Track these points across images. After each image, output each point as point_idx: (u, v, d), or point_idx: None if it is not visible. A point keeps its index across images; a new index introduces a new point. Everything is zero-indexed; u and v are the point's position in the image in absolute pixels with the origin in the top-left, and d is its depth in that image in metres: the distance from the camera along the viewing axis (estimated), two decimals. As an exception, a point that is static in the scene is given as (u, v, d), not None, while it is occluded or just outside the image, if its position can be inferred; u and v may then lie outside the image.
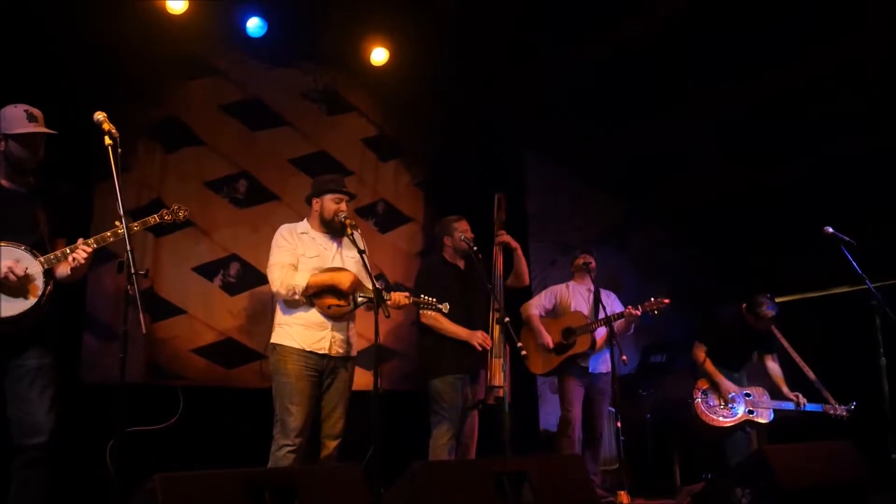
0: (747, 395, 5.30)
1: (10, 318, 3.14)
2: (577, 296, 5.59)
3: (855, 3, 5.32)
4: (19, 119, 3.25)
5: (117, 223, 3.28)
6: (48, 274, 3.24)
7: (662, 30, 5.76)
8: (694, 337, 5.56)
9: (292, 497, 2.67)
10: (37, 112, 3.30)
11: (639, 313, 5.21)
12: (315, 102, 6.11)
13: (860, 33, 5.60)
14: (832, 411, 5.22)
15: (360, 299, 4.04)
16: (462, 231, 4.84)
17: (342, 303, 4.03)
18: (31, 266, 3.20)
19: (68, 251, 3.25)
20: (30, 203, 3.31)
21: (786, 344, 5.52)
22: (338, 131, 6.19)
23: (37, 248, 3.25)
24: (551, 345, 5.34)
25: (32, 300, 3.19)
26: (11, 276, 3.12)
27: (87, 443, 4.04)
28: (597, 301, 5.34)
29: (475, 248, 4.67)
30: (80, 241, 3.27)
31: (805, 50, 5.78)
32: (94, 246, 3.28)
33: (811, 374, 5.45)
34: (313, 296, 4.01)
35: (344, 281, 4.03)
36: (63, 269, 3.32)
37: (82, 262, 3.25)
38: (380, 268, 6.03)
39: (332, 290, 4.02)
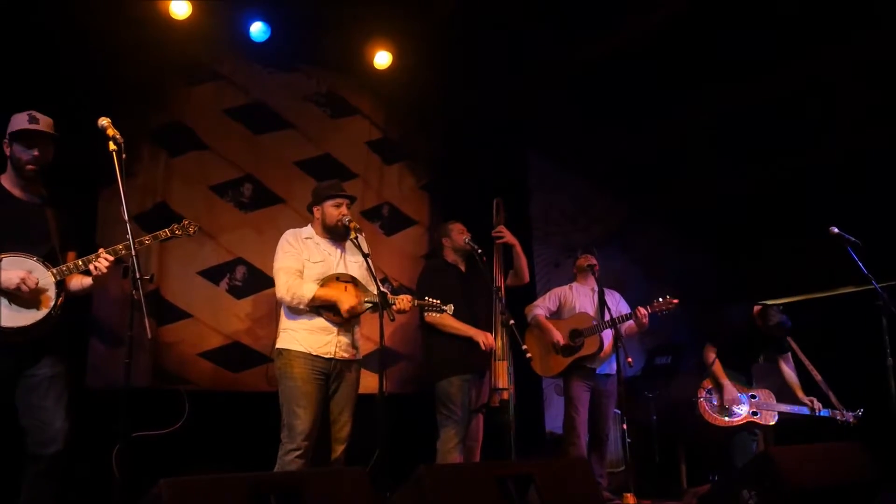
0: (752, 396, 5.28)
1: (22, 328, 3.15)
2: (581, 297, 5.57)
3: (857, 3, 5.31)
4: (21, 120, 3.29)
5: (147, 237, 3.37)
6: (60, 285, 3.26)
7: (662, 30, 5.76)
8: (704, 338, 5.52)
9: (298, 501, 2.67)
10: (42, 117, 3.32)
11: (648, 313, 5.19)
12: (319, 106, 6.13)
13: (860, 33, 5.59)
14: (839, 417, 5.20)
15: (364, 305, 4.03)
16: (459, 231, 4.85)
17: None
18: (44, 277, 3.21)
19: (92, 258, 3.26)
20: (42, 214, 3.33)
21: (795, 346, 5.49)
22: (342, 134, 6.20)
23: (48, 260, 3.26)
24: (563, 341, 5.31)
25: (44, 311, 3.20)
26: (24, 287, 3.13)
27: (93, 448, 4.04)
28: (601, 301, 5.31)
29: (479, 249, 4.67)
30: (101, 250, 3.29)
31: (805, 50, 5.78)
32: (114, 256, 3.29)
33: (819, 378, 5.42)
34: (317, 307, 4.00)
35: (345, 303, 3.97)
36: (77, 282, 3.35)
37: (104, 271, 3.26)
38: (385, 271, 6.03)
39: (333, 308, 4.00)
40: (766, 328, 5.23)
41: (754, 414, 5.23)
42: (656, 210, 7.88)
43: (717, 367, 5.30)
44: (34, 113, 3.31)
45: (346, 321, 4.02)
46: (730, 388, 5.22)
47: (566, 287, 5.69)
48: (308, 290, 3.97)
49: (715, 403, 5.26)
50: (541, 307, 5.55)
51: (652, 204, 7.82)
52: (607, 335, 5.31)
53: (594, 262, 5.48)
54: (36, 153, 3.27)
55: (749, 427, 5.27)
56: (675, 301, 5.22)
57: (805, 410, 5.23)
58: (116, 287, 4.86)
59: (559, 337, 5.31)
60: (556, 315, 5.56)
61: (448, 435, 4.56)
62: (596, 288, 5.48)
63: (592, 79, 6.43)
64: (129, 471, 2.89)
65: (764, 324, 5.23)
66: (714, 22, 5.57)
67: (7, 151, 3.30)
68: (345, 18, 5.73)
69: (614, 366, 5.21)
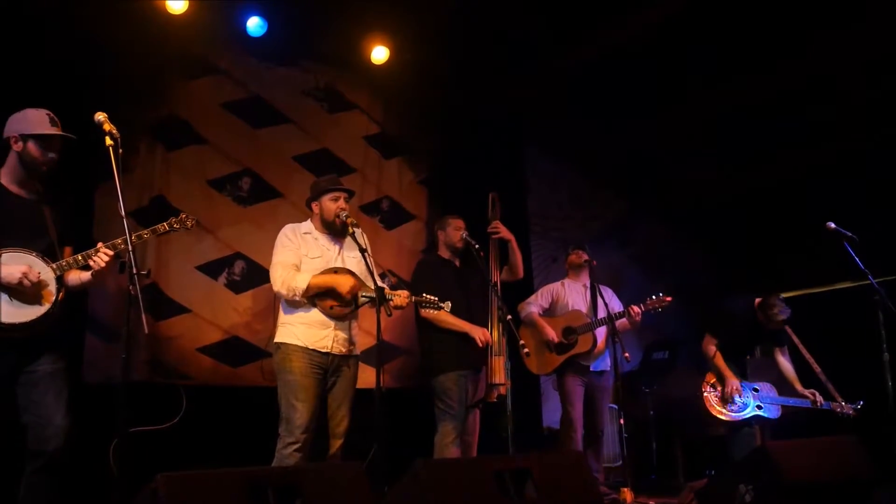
0: (755, 389, 5.27)
1: (25, 323, 3.15)
2: (573, 293, 5.55)
3: (856, 3, 5.30)
4: (42, 121, 3.27)
5: (145, 231, 3.41)
6: (60, 280, 3.26)
7: (662, 29, 5.75)
8: (703, 329, 5.47)
9: (296, 496, 2.68)
10: (57, 119, 3.32)
11: (641, 311, 5.19)
12: (316, 100, 6.12)
13: (860, 32, 5.58)
14: (839, 409, 5.19)
15: (362, 299, 4.03)
16: (456, 228, 4.84)
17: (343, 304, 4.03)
18: (44, 272, 3.21)
19: (91, 253, 3.26)
20: (39, 209, 3.32)
21: (795, 339, 5.47)
22: (340, 129, 6.20)
23: (47, 255, 3.26)
24: (557, 339, 5.30)
25: (46, 306, 3.20)
26: (26, 282, 3.13)
27: (91, 443, 4.04)
28: (594, 297, 5.30)
29: (476, 245, 4.67)
30: (100, 244, 3.29)
31: (804, 50, 5.77)
32: (113, 251, 3.29)
33: (818, 370, 5.41)
34: (314, 297, 4.00)
35: (344, 285, 4.00)
36: (75, 277, 3.34)
37: (104, 265, 3.26)
38: (384, 265, 6.02)
39: (332, 292, 4.00)
40: (767, 320, 5.21)
41: (759, 407, 5.22)
42: (655, 208, 7.88)
43: (719, 359, 5.28)
44: (52, 115, 3.31)
45: (348, 305, 4.00)
46: (732, 378, 5.21)
47: (558, 284, 5.66)
48: (302, 279, 3.97)
49: (720, 397, 5.25)
50: (534, 304, 5.53)
51: (651, 202, 7.82)
52: (600, 332, 5.30)
53: (587, 257, 5.45)
54: (52, 155, 3.28)
55: (753, 421, 5.27)
56: (669, 299, 5.21)
57: (807, 403, 5.22)
58: (113, 282, 4.85)
59: (554, 335, 5.30)
60: (548, 312, 5.54)
61: (445, 430, 4.56)
62: (588, 284, 5.47)
63: (592, 77, 6.43)
64: (126, 466, 2.90)
65: (765, 316, 5.21)
66: (713, 21, 5.56)
67: (17, 147, 3.27)
68: (342, 13, 5.73)
69: (608, 362, 5.22)
